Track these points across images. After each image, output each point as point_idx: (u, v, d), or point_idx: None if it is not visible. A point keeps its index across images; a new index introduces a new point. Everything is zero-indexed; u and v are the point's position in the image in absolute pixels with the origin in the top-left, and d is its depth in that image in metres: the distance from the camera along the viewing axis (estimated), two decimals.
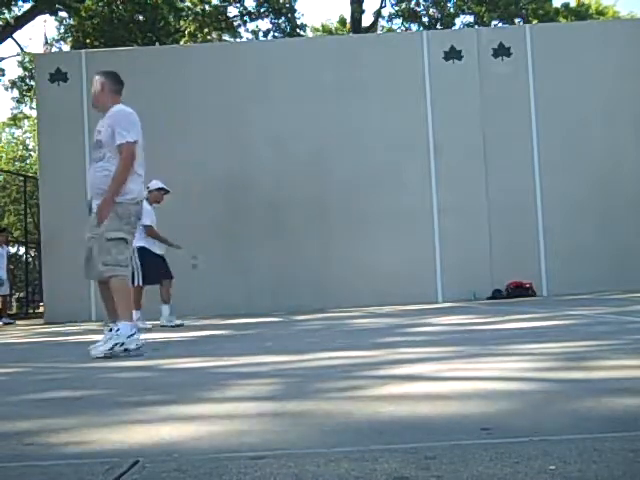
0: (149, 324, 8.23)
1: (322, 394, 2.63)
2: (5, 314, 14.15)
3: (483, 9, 26.90)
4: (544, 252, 12.65)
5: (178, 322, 8.53)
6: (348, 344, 4.85)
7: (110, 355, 4.49)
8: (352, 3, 26.14)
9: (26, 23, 22.04)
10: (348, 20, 28.31)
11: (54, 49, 25.38)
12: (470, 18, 28.56)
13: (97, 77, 5.16)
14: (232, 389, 2.92)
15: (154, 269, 8.42)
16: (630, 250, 12.49)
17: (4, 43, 22.02)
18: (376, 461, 1.60)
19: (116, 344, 4.54)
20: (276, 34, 26.15)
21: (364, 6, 27.19)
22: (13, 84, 25.94)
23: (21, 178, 26.03)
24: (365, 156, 12.73)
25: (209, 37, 25.54)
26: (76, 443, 1.98)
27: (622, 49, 13.07)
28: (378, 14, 28.29)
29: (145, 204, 8.49)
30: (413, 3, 27.55)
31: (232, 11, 26.44)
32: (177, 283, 11.34)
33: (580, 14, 27.98)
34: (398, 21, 28.69)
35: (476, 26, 25.45)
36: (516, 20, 26.63)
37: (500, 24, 26.18)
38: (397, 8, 28.16)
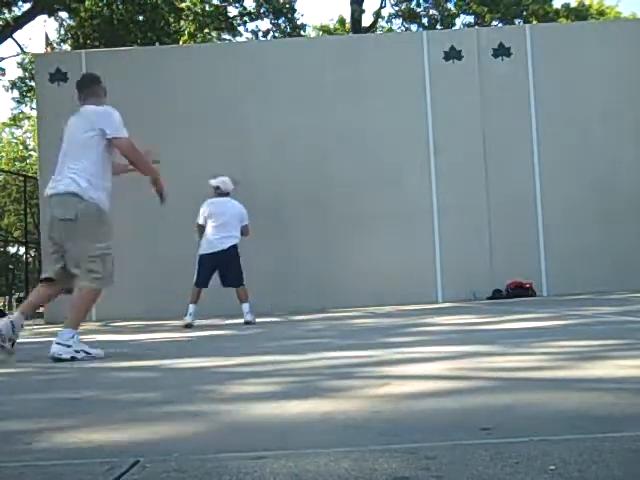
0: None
1: (322, 394, 2.63)
2: None
3: (485, 10, 26.91)
4: (544, 252, 12.64)
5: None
6: (348, 344, 4.85)
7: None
8: (352, 3, 26.15)
9: (26, 23, 22.06)
10: (348, 20, 28.32)
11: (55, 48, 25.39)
12: (470, 18, 28.58)
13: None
14: (232, 389, 2.92)
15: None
16: (630, 250, 12.49)
17: (4, 43, 22.03)
18: (376, 461, 1.60)
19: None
20: (276, 34, 26.16)
21: (364, 6, 27.21)
22: (13, 85, 25.96)
23: (21, 178, 26.06)
24: (365, 156, 12.73)
25: (209, 37, 25.55)
26: (76, 443, 1.98)
27: (622, 49, 13.06)
28: (378, 14, 28.31)
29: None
30: (413, 4, 27.57)
31: (232, 11, 26.46)
32: (178, 283, 11.36)
33: (581, 14, 27.99)
34: (398, 21, 28.72)
35: (476, 26, 25.44)
36: (516, 20, 26.65)
37: (500, 24, 26.18)
38: (397, 8, 28.18)
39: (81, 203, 4.78)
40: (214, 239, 8.63)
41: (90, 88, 5.20)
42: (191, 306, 8.37)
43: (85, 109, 5.07)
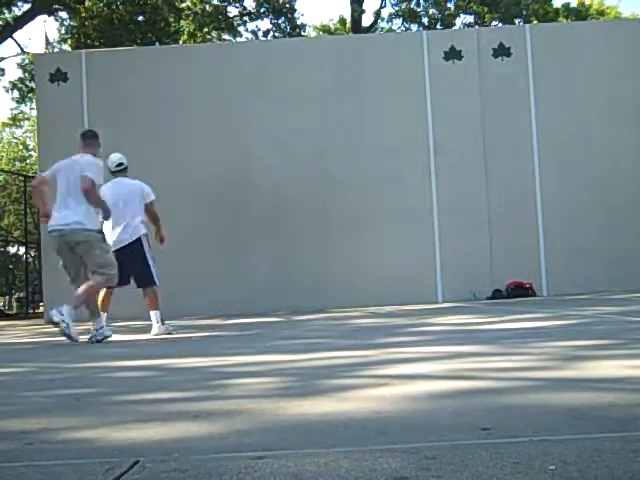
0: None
1: (322, 394, 2.63)
2: None
3: (485, 9, 26.89)
4: (544, 252, 12.63)
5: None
6: (348, 344, 4.85)
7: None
8: (352, 3, 26.14)
9: (26, 23, 22.05)
10: (348, 20, 28.32)
11: (54, 50, 25.38)
12: (470, 18, 28.56)
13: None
14: (232, 389, 2.92)
15: None
16: (630, 250, 12.48)
17: (4, 43, 22.03)
18: (376, 461, 1.60)
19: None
20: (276, 34, 26.15)
21: (364, 6, 27.20)
22: (13, 85, 25.94)
23: (21, 178, 26.07)
24: (365, 156, 12.72)
25: (209, 37, 25.53)
26: (76, 443, 1.98)
27: (622, 49, 13.05)
28: (378, 14, 28.30)
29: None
30: (413, 3, 27.55)
31: (232, 11, 26.45)
32: (178, 283, 11.34)
33: (581, 14, 27.98)
34: (398, 21, 28.69)
35: (476, 26, 25.44)
36: (516, 20, 26.63)
37: (500, 24, 26.17)
38: (397, 8, 28.16)
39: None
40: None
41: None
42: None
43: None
